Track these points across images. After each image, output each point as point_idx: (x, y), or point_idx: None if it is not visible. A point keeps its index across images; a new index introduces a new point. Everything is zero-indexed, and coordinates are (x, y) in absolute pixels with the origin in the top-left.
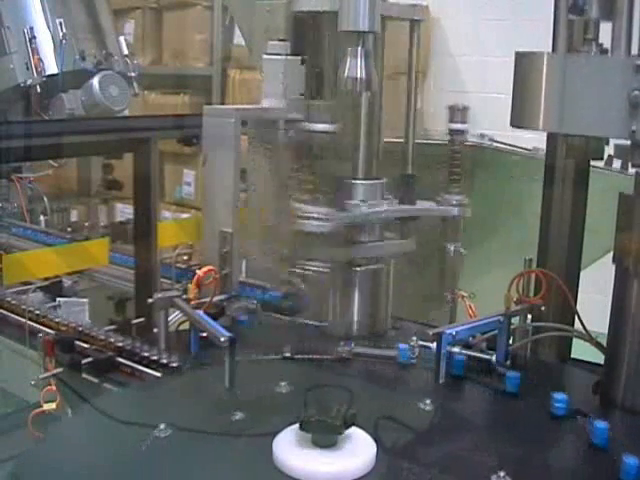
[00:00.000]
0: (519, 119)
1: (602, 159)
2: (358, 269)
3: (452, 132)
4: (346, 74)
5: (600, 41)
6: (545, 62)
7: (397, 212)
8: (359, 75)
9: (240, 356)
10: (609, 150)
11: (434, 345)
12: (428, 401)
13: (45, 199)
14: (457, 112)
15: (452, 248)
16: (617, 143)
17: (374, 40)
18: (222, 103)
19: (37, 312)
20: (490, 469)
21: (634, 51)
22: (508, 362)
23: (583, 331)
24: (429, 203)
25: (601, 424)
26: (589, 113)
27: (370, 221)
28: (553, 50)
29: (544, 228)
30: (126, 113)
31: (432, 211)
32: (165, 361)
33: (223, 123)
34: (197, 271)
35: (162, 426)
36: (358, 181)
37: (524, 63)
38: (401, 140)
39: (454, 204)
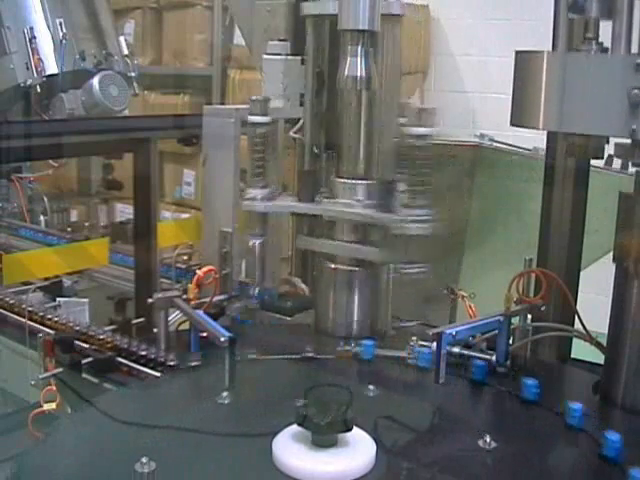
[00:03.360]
0: (519, 118)
1: (602, 158)
2: (357, 269)
3: (417, 137)
4: (346, 73)
5: (600, 40)
6: (545, 61)
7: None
8: (359, 74)
9: (239, 356)
10: (609, 149)
11: (434, 345)
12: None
13: (45, 199)
14: (423, 115)
15: (412, 270)
16: (617, 142)
17: (374, 39)
18: (222, 103)
19: (37, 312)
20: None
21: (634, 50)
22: (508, 362)
23: (583, 331)
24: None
25: (613, 436)
26: (589, 112)
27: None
28: (553, 49)
29: (544, 228)
30: (126, 113)
31: (394, 224)
32: (164, 360)
33: (223, 123)
34: (197, 271)
35: (162, 426)
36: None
37: (524, 62)
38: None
39: (412, 220)
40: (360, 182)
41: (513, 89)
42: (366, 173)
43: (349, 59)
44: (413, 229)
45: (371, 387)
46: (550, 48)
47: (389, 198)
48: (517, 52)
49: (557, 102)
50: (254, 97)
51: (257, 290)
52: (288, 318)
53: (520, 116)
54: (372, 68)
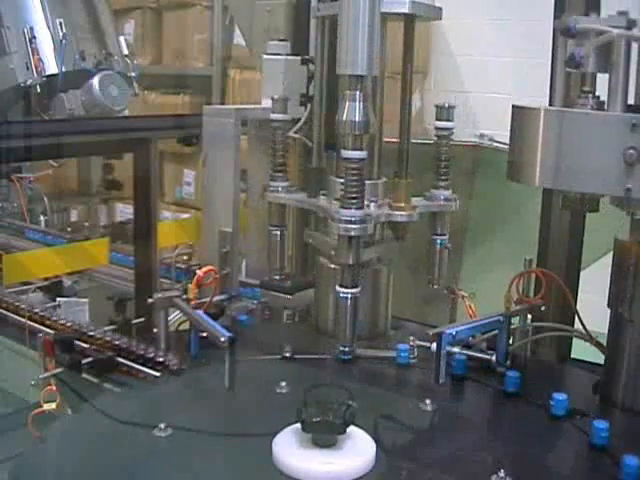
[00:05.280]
0: (516, 174)
1: (597, 211)
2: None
3: (438, 130)
4: (344, 118)
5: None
6: (542, 117)
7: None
8: (357, 119)
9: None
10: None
11: (434, 345)
12: (428, 401)
13: (45, 199)
14: (444, 111)
15: (438, 241)
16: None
17: (373, 84)
18: (222, 103)
19: (37, 312)
20: (490, 469)
21: (630, 101)
22: (508, 362)
23: (583, 331)
24: (419, 199)
25: (601, 424)
26: (584, 170)
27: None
28: (550, 102)
29: (544, 228)
30: (126, 113)
31: (430, 207)
32: (163, 360)
33: (223, 123)
34: (197, 271)
35: (162, 425)
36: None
37: (521, 117)
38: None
39: (442, 199)
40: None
41: (510, 143)
42: (367, 172)
43: (347, 104)
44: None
45: (428, 401)
46: (549, 49)
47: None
48: (514, 107)
49: (553, 159)
50: (275, 96)
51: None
52: (289, 297)
53: (517, 172)
54: (370, 112)
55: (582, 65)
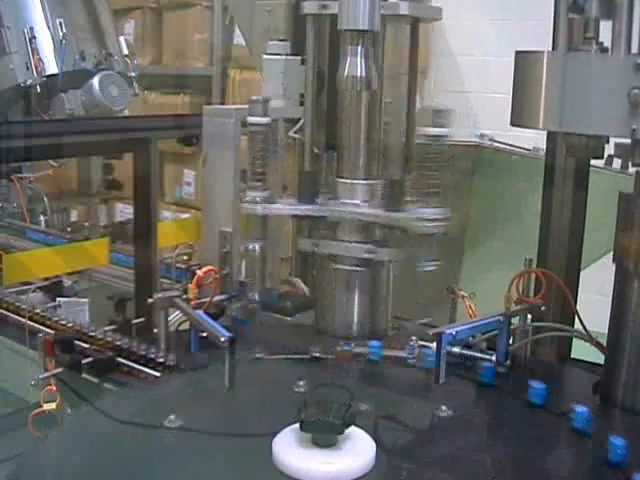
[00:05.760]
0: (519, 118)
1: (602, 158)
2: (358, 269)
3: (431, 138)
4: (346, 73)
5: (600, 40)
6: (545, 61)
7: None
8: (359, 74)
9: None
10: (609, 149)
11: (434, 345)
12: (444, 407)
13: (45, 199)
14: (438, 116)
15: (424, 264)
16: (617, 142)
17: (374, 39)
18: (222, 103)
19: (37, 312)
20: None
21: (634, 49)
22: (508, 362)
23: (583, 331)
24: (416, 207)
25: (618, 440)
26: (589, 112)
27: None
28: (553, 48)
29: (544, 228)
30: (126, 113)
31: (409, 224)
32: (163, 360)
33: (223, 123)
34: (197, 271)
35: (172, 417)
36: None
37: (524, 62)
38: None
39: (428, 219)
40: (362, 182)
41: (513, 89)
42: (368, 172)
43: (349, 59)
44: (430, 228)
45: (444, 407)
46: (550, 48)
47: (397, 197)
48: (517, 52)
49: (557, 102)
50: (254, 97)
51: (256, 294)
52: (288, 318)
53: (520, 116)
54: (372, 68)
55: (585, 10)
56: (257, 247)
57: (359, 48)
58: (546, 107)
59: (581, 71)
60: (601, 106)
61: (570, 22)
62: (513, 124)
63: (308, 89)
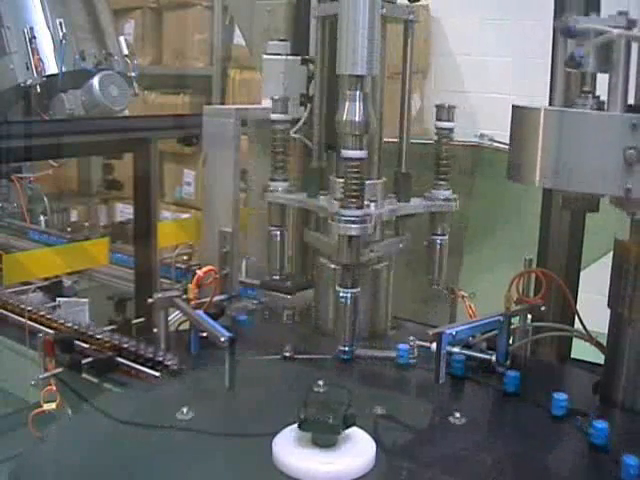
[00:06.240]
0: (516, 174)
1: (597, 211)
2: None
3: (439, 130)
4: (344, 117)
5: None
6: (542, 117)
7: (400, 210)
8: (357, 119)
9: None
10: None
11: (434, 345)
12: (457, 414)
13: (45, 199)
14: (444, 110)
15: (439, 241)
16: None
17: (373, 83)
18: (222, 103)
19: (37, 312)
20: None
21: (630, 101)
22: (508, 362)
23: (583, 331)
24: (419, 199)
25: (601, 424)
26: (584, 170)
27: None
28: (550, 102)
29: (544, 228)
30: (126, 113)
31: (430, 207)
32: (163, 360)
33: (223, 123)
34: (197, 271)
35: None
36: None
37: (520, 117)
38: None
39: (442, 199)
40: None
41: (510, 143)
42: (368, 173)
43: (347, 104)
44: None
45: (457, 414)
46: (549, 49)
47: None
48: (514, 107)
49: (553, 160)
50: (276, 96)
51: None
52: (289, 297)
53: (517, 172)
54: (370, 112)
55: (582, 65)
56: (278, 233)
57: (357, 93)
58: (542, 165)
59: (577, 129)
60: (596, 164)
61: (567, 76)
62: (510, 179)
63: (318, 88)
